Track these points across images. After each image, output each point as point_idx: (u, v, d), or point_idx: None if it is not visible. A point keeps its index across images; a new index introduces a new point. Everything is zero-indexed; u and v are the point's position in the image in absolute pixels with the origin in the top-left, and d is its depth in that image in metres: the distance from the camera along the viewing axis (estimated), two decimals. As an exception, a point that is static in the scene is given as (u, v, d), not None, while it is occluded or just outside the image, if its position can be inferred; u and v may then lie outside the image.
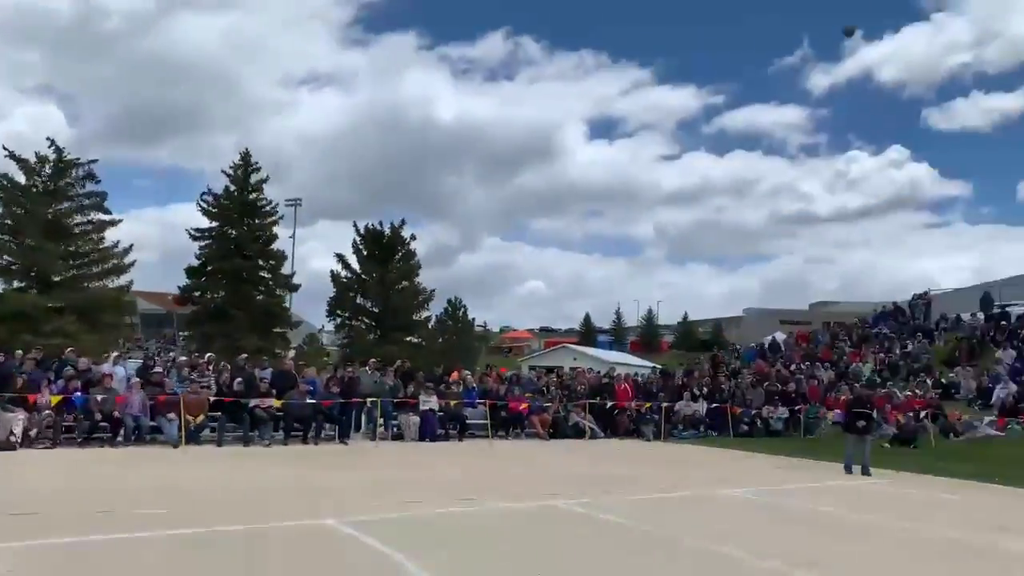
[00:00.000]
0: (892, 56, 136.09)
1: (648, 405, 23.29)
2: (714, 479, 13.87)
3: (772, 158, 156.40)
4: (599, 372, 26.10)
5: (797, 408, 23.85)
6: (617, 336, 76.95)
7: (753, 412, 23.89)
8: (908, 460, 17.47)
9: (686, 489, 12.48)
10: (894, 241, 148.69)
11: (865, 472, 14.99)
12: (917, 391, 24.00)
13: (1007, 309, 31.14)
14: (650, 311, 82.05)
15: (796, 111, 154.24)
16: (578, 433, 21.50)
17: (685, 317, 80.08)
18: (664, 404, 23.44)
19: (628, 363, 39.22)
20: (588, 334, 75.32)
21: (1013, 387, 21.73)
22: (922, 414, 21.39)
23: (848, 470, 15.27)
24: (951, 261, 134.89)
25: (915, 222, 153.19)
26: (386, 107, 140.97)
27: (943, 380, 24.16)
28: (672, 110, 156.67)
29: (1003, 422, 20.06)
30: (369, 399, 18.94)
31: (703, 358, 36.43)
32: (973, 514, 10.92)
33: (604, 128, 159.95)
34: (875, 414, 17.66)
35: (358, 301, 38.61)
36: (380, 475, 12.97)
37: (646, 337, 76.35)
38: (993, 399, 21.61)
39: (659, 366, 35.77)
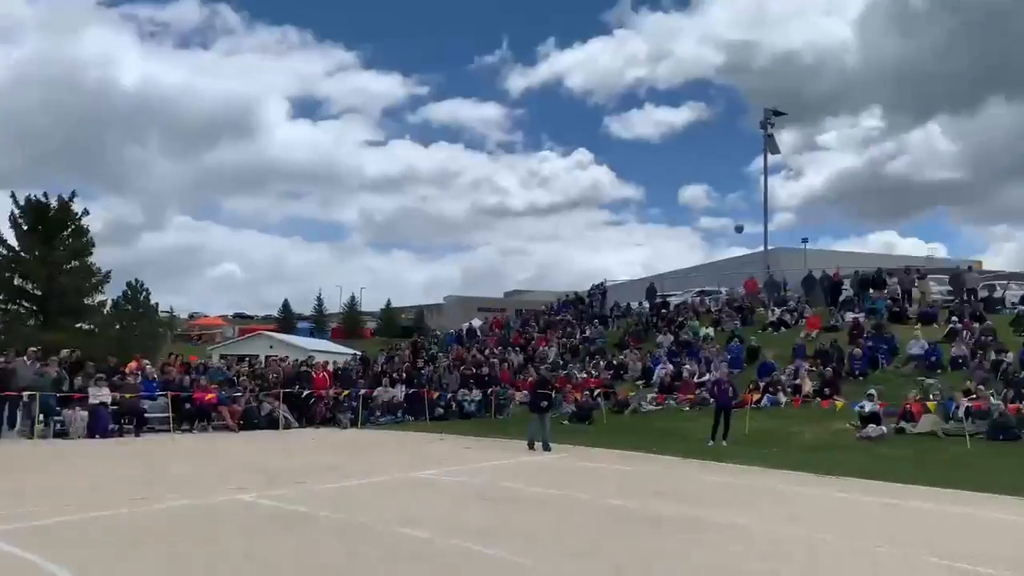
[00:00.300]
0: (580, 65, 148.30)
1: (346, 392, 23.03)
2: (408, 463, 14.01)
3: (473, 152, 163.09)
4: (297, 360, 25.28)
5: (490, 390, 25.00)
6: (318, 323, 75.40)
7: (449, 395, 24.65)
8: (584, 435, 19.06)
9: (380, 475, 12.44)
10: (579, 236, 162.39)
11: (546, 448, 16.07)
12: (592, 372, 26.30)
13: (667, 299, 35.34)
14: (353, 297, 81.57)
15: (495, 108, 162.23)
16: (271, 424, 20.66)
17: (388, 304, 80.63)
18: (363, 391, 23.34)
19: (329, 350, 38.50)
20: (287, 321, 72.92)
21: (670, 367, 24.63)
22: (596, 393, 23.47)
23: (531, 446, 16.27)
24: (625, 256, 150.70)
25: (596, 220, 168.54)
26: (57, 64, 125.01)
27: (614, 362, 26.72)
28: (378, 96, 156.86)
29: (662, 398, 22.66)
30: (26, 393, 16.61)
31: (404, 344, 36.89)
32: (636, 482, 12.12)
33: (307, 108, 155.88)
34: (554, 394, 19.03)
35: (16, 282, 33.76)
36: (34, 479, 11.34)
37: (349, 324, 75.61)
38: (654, 378, 24.32)
39: (359, 352, 35.56)
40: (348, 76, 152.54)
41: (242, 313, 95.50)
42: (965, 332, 22.44)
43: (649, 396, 22.62)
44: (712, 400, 18.39)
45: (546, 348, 30.23)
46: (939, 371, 20.66)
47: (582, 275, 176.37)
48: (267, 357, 33.60)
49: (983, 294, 26.86)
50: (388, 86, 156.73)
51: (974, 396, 17.14)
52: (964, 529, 8.91)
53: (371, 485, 11.47)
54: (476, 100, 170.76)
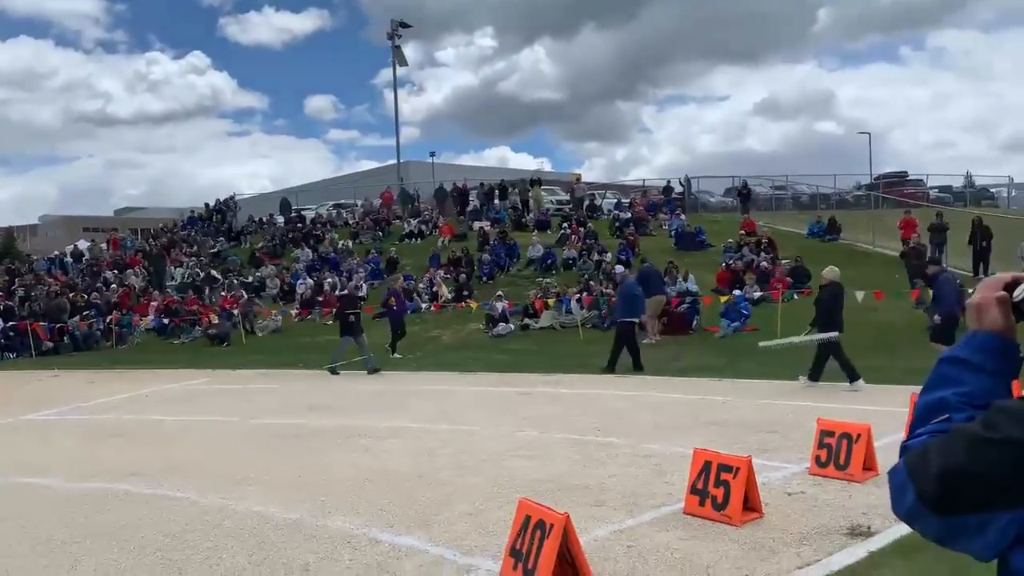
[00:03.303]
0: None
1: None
2: (18, 406, 12.18)
3: (66, 49, 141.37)
4: None
5: (109, 318, 22.56)
6: None
7: (57, 326, 21.74)
8: (224, 358, 18.14)
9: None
10: (198, 147, 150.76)
11: (374, 370, 14.59)
12: (231, 292, 25.00)
13: (302, 213, 34.64)
14: (-85, 219, 67.52)
15: (89, 2, 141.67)
16: None
17: (-36, 226, 68.07)
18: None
19: None
20: None
21: (311, 281, 24.34)
22: (235, 313, 22.39)
23: (334, 372, 14.68)
24: (251, 168, 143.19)
25: (217, 129, 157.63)
26: None
27: (250, 279, 25.67)
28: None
29: (305, 312, 22.38)
30: None
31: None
32: (286, 399, 11.87)
33: None
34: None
35: None
36: None
37: (-89, 251, 62.69)
38: (296, 293, 23.92)
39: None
40: None
41: None
42: (573, 236, 25.30)
43: (293, 311, 22.13)
44: (387, 311, 17.42)
45: (172, 268, 28.00)
46: (554, 272, 23.10)
47: (202, 190, 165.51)
48: None
49: (587, 203, 30.46)
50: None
51: (584, 292, 19.49)
52: (586, 408, 10.18)
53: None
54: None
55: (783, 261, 20.91)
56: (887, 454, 5.86)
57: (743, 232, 24.04)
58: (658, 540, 4.86)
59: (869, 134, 50.68)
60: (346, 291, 18.62)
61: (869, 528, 4.94)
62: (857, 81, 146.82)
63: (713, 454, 5.40)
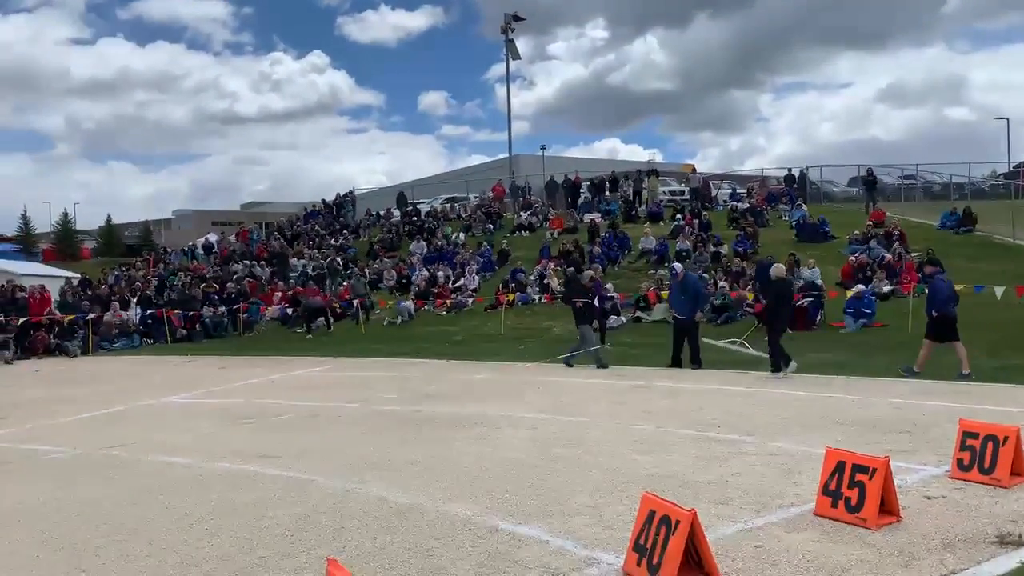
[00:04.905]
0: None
1: (71, 317, 20.69)
2: (156, 389, 12.95)
3: (197, 53, 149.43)
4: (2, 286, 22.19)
5: (236, 307, 23.69)
6: (26, 244, 66.71)
7: (191, 314, 22.99)
8: (345, 346, 18.71)
9: (124, 403, 11.36)
10: (318, 144, 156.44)
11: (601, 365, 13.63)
12: (350, 282, 25.77)
13: (418, 206, 35.36)
14: (66, 214, 72.83)
15: (220, 6, 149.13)
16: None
17: (108, 220, 73.01)
18: (91, 315, 21.10)
19: (42, 273, 34.20)
20: (-14, 243, 63.78)
21: (425, 273, 24.82)
22: (354, 302, 23.08)
23: (601, 365, 13.50)
24: (368, 164, 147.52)
25: (336, 127, 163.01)
26: None
27: (367, 271, 26.37)
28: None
29: (421, 303, 22.83)
30: None
31: (137, 263, 33.74)
32: (407, 386, 12.12)
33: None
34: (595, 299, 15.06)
35: None
36: None
37: (63, 244, 67.69)
38: (412, 285, 24.40)
39: (79, 275, 31.99)
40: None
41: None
42: (688, 228, 24.76)
43: (408, 303, 22.60)
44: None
45: (296, 260, 29.12)
46: (667, 264, 22.67)
47: (323, 185, 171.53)
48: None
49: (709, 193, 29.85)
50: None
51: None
52: (705, 402, 9.92)
53: (119, 414, 10.47)
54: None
55: (913, 254, 19.82)
56: (1041, 459, 5.43)
57: (871, 223, 22.93)
58: (788, 541, 4.66)
59: (1008, 120, 47.41)
60: (571, 278, 15.98)
61: (1021, 537, 4.58)
62: (992, 64, 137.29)
63: (847, 453, 5.14)
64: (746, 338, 14.01)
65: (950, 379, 10.58)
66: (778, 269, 12.45)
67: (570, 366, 13.57)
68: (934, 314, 11.15)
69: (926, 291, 12.55)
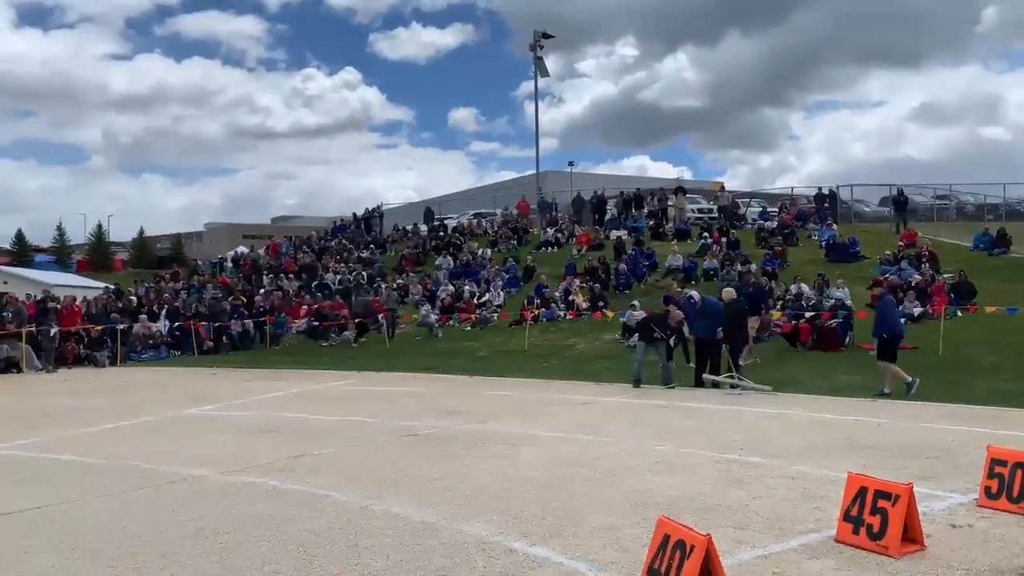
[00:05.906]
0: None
1: (100, 328, 20.98)
2: (181, 400, 13.06)
3: (232, 69, 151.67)
4: (35, 296, 22.57)
5: (263, 320, 23.87)
6: (61, 255, 67.87)
7: (217, 326, 23.21)
8: (367, 359, 18.76)
9: (151, 414, 11.47)
10: (348, 159, 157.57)
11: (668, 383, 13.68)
12: (377, 296, 25.89)
13: (445, 222, 35.51)
14: (100, 226, 73.98)
15: (254, 23, 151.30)
16: (10, 366, 18.44)
17: (141, 232, 74.03)
18: (120, 326, 21.38)
19: (76, 284, 34.75)
20: (23, 253, 64.95)
21: (451, 288, 24.88)
22: (380, 317, 23.17)
23: (636, 384, 13.61)
24: (396, 179, 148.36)
25: (367, 142, 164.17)
26: None
27: (394, 286, 26.49)
28: (119, 5, 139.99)
29: (445, 318, 22.87)
30: None
31: (167, 275, 34.18)
32: (425, 402, 12.12)
33: (36, 15, 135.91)
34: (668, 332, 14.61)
35: None
36: None
37: (96, 255, 68.73)
38: (437, 300, 24.44)
39: (111, 285, 32.47)
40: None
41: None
42: (715, 246, 24.58)
43: (433, 318, 22.64)
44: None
45: (324, 275, 29.32)
46: (694, 282, 22.50)
47: (352, 199, 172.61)
48: (2, 295, 29.67)
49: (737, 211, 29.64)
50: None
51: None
52: (728, 423, 9.80)
53: (143, 425, 10.56)
54: (232, 13, 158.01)
55: (946, 275, 19.49)
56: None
57: (902, 243, 22.60)
58: (807, 568, 4.56)
59: (1046, 139, 46.56)
60: (660, 316, 14.11)
61: (1050, 570, 4.45)
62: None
63: (870, 479, 5.02)
64: (745, 369, 13.50)
65: (978, 404, 10.35)
66: (728, 293, 13.94)
67: (671, 387, 13.29)
68: (884, 336, 11.72)
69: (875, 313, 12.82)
